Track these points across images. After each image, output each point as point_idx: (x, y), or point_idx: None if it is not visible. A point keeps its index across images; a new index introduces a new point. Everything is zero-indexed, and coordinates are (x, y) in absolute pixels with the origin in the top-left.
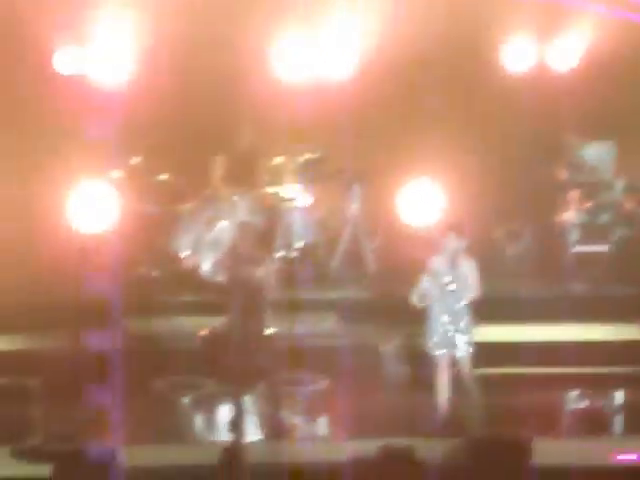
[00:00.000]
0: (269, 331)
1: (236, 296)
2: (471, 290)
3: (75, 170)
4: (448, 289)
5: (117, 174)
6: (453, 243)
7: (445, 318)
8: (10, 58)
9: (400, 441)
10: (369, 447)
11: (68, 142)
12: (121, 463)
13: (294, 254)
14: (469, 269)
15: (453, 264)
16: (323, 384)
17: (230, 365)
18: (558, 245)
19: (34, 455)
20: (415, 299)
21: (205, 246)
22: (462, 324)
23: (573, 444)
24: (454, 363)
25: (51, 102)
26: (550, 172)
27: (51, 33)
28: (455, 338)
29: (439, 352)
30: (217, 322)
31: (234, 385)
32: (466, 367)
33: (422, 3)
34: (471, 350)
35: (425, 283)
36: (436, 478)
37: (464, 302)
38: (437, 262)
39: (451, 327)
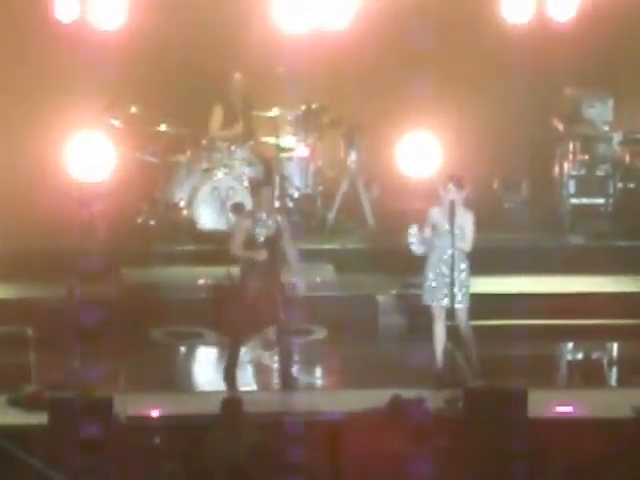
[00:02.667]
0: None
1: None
2: (467, 243)
3: (74, 119)
4: (446, 240)
5: (115, 123)
6: (452, 194)
7: (443, 269)
8: (10, 6)
9: (403, 392)
10: (366, 397)
11: (67, 91)
12: (117, 412)
13: (291, 204)
14: (467, 221)
15: (451, 215)
16: (320, 334)
17: (230, 316)
18: (555, 197)
19: (31, 403)
20: (413, 246)
21: (202, 196)
22: (460, 275)
23: (568, 395)
24: (451, 314)
25: (50, 50)
26: (548, 124)
27: None
28: (453, 289)
29: (436, 303)
30: (215, 272)
31: (233, 335)
32: (463, 318)
33: None
34: (468, 301)
35: (424, 231)
36: (435, 428)
37: (462, 254)
38: (436, 213)
39: (448, 278)
